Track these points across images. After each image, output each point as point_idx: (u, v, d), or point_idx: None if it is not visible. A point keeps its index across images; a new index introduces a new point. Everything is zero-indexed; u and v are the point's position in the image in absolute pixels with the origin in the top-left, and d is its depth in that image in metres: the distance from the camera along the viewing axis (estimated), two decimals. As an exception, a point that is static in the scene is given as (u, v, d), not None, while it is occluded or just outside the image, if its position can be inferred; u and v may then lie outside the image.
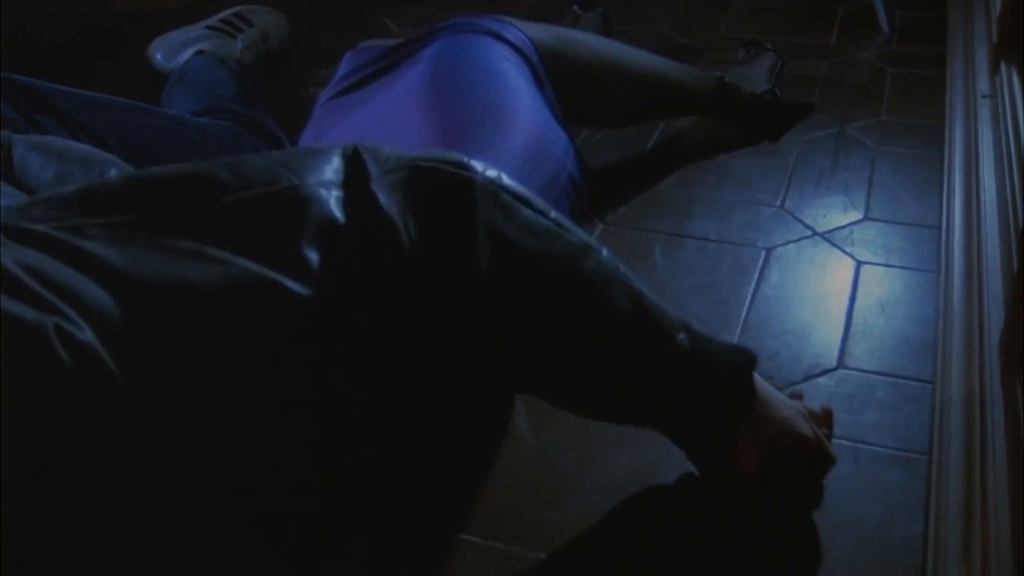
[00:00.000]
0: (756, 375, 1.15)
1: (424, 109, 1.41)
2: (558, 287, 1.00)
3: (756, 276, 1.57)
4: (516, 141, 1.40)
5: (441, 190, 0.94)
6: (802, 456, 1.15)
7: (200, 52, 2.15)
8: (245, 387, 0.79)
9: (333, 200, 0.87)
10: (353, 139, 1.33)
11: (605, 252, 1.05)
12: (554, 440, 1.27)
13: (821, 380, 1.35)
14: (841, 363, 1.38)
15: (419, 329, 0.94)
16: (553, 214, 1.02)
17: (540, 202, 1.02)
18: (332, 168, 0.91)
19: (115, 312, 0.73)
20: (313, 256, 0.83)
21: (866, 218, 1.71)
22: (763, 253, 1.63)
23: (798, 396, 1.26)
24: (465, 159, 0.97)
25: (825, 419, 1.22)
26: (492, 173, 0.98)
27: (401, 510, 1.19)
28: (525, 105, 1.49)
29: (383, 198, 0.90)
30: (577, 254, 1.01)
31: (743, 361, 1.13)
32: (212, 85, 1.94)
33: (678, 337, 1.07)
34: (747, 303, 1.51)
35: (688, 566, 1.10)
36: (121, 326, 0.73)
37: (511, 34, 1.61)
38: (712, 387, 1.10)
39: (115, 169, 1.20)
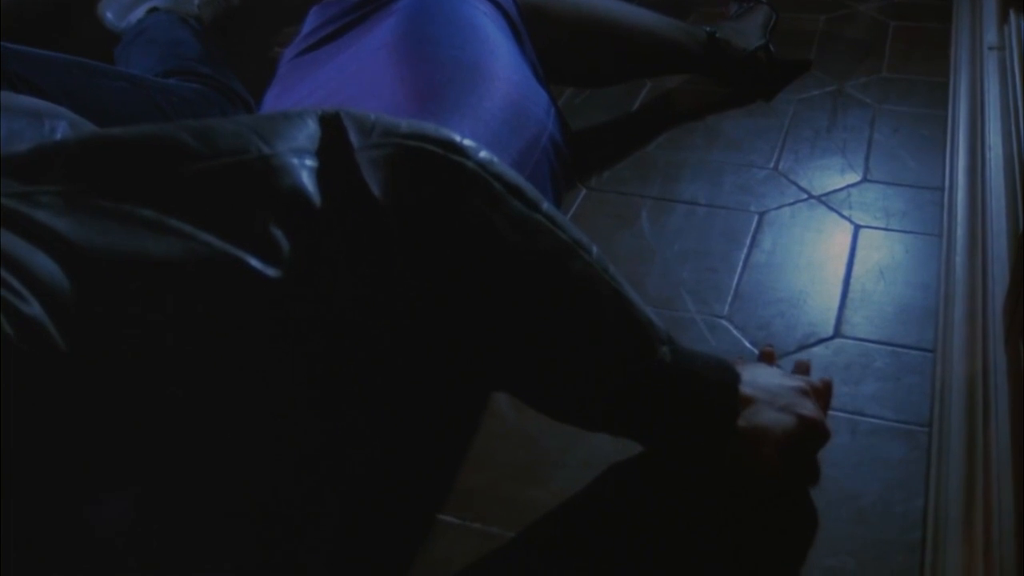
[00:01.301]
0: (741, 370, 1.16)
1: (396, 66, 1.40)
2: (540, 288, 1.00)
3: (748, 242, 1.58)
4: (494, 101, 1.40)
5: (429, 175, 0.93)
6: (797, 441, 1.16)
7: (154, 9, 2.10)
8: (204, 366, 0.79)
9: (306, 172, 0.86)
10: (320, 99, 1.33)
11: (595, 251, 1.05)
12: (535, 416, 1.25)
13: (817, 350, 1.36)
14: (838, 332, 1.39)
15: (394, 318, 0.94)
16: (545, 207, 1.02)
17: (532, 192, 1.02)
18: (307, 134, 0.90)
19: (66, 285, 0.72)
20: (282, 234, 0.82)
21: (865, 180, 1.72)
22: (755, 218, 1.64)
23: (804, 367, 1.27)
24: (456, 139, 0.96)
25: (824, 391, 1.22)
26: (484, 156, 0.98)
27: (376, 490, 1.20)
28: (503, 63, 1.48)
29: (366, 175, 0.89)
30: (564, 254, 1.02)
31: (727, 377, 1.14)
32: (175, 44, 1.91)
33: (660, 351, 1.08)
34: (739, 270, 1.52)
35: (678, 544, 1.11)
36: (72, 300, 0.72)
37: (488, -14, 1.60)
38: (692, 406, 1.11)
39: (65, 123, 1.18)
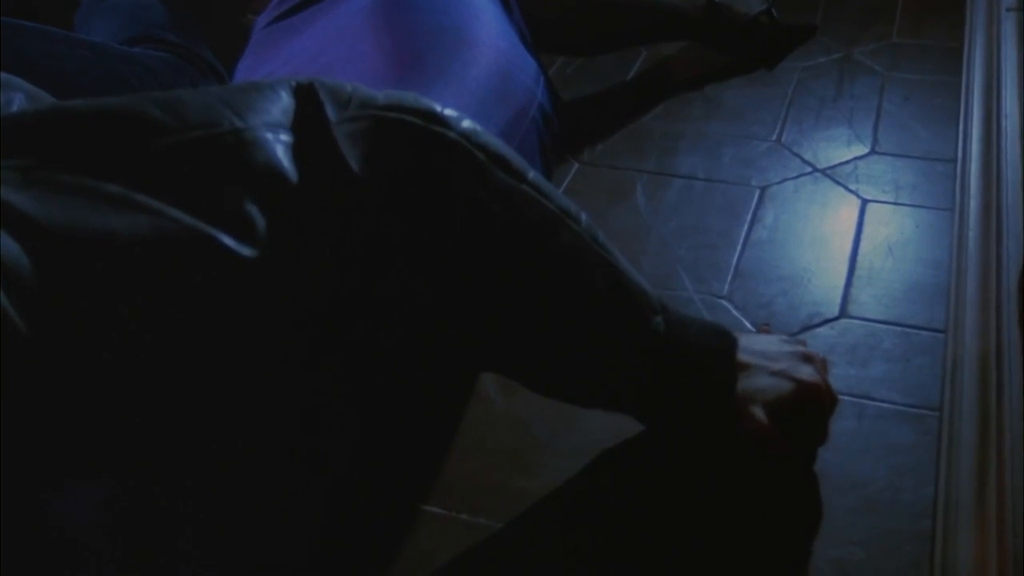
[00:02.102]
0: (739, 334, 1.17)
1: (374, 32, 1.40)
2: (530, 260, 1.01)
3: (749, 217, 1.59)
4: (479, 69, 1.40)
5: (410, 147, 0.94)
6: (801, 406, 1.16)
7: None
8: (177, 350, 0.79)
9: (281, 147, 0.86)
10: (295, 69, 1.33)
11: (584, 219, 1.06)
12: (525, 401, 1.28)
13: (821, 331, 1.37)
14: (844, 311, 1.40)
15: (378, 297, 0.95)
16: (531, 176, 1.03)
17: (518, 161, 1.02)
18: (281, 107, 0.89)
19: (26, 265, 0.71)
20: (256, 212, 0.82)
21: (873, 152, 1.73)
22: (757, 192, 1.65)
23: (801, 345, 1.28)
24: (437, 108, 0.97)
25: (821, 368, 1.23)
26: (467, 126, 0.98)
27: (357, 479, 1.21)
28: (489, 28, 1.49)
29: (344, 149, 0.90)
30: (552, 225, 1.03)
31: (723, 344, 1.15)
32: (140, 9, 1.89)
33: (653, 321, 1.10)
34: (739, 247, 1.53)
35: (674, 535, 1.12)
36: (32, 280, 0.71)
37: (472, -54, 1.60)
38: (687, 375, 1.12)
39: (22, 95, 1.17)
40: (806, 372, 1.16)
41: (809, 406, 1.16)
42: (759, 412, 1.13)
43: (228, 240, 0.79)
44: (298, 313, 0.88)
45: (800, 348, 1.20)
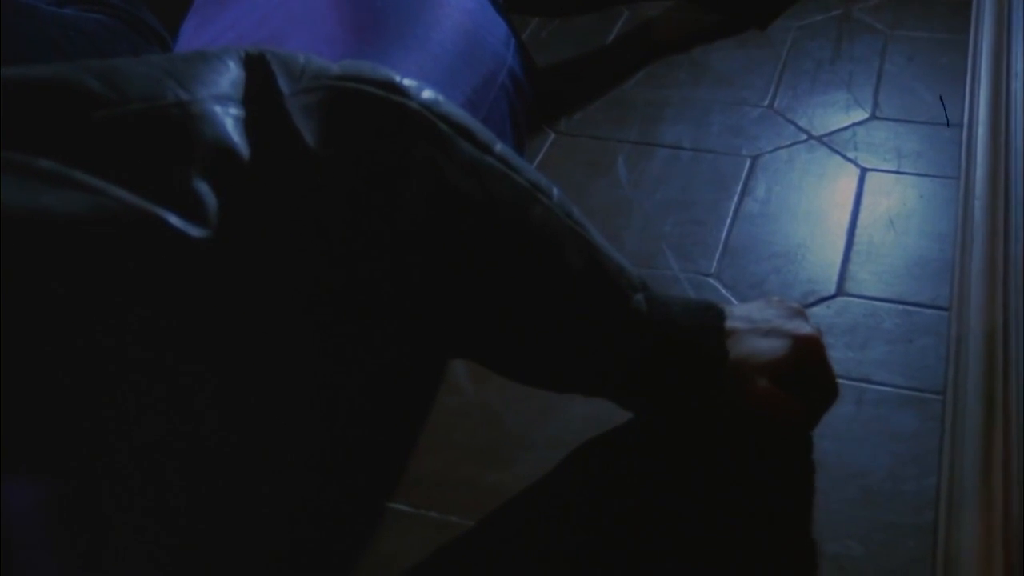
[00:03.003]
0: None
1: (330, -10, 1.41)
2: (500, 238, 1.02)
3: (739, 189, 1.61)
4: (443, 32, 1.41)
5: (368, 119, 0.95)
6: (800, 360, 1.17)
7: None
8: (122, 335, 0.79)
9: (231, 121, 0.86)
10: (244, 31, 1.34)
11: (556, 193, 1.08)
12: (498, 389, 1.30)
13: (818, 310, 1.38)
14: (841, 289, 1.41)
15: (339, 280, 0.95)
16: (498, 148, 1.04)
17: (483, 132, 1.03)
18: (229, 79, 0.89)
19: None
20: (207, 191, 0.82)
21: (873, 117, 1.75)
22: (748, 162, 1.67)
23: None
24: (396, 78, 0.97)
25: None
26: (428, 96, 0.99)
27: (315, 476, 1.22)
28: (455, -14, 1.49)
29: (299, 123, 0.90)
30: (524, 199, 1.04)
31: (710, 319, 1.17)
32: None
33: (634, 299, 1.11)
34: (728, 222, 1.55)
35: (661, 533, 1.13)
36: None
37: None
38: (673, 355, 1.14)
39: None
40: (797, 324, 1.18)
41: (809, 359, 1.18)
42: (759, 376, 1.15)
43: (175, 220, 0.79)
44: (260, 298, 0.89)
45: (790, 304, 1.21)
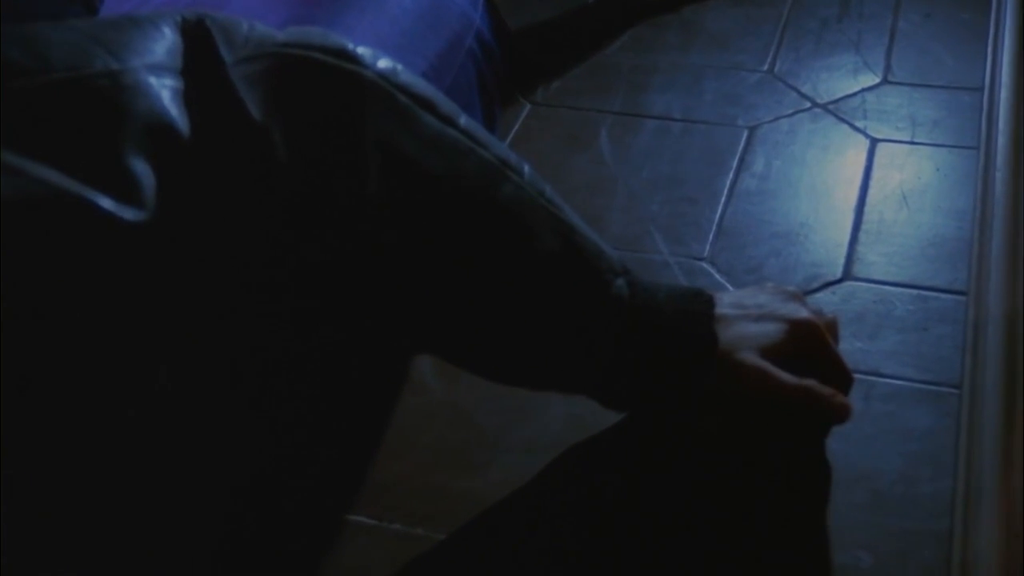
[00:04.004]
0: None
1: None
2: (466, 218, 1.03)
3: (735, 164, 1.62)
4: (404, -9, 1.41)
5: (318, 89, 0.95)
6: (796, 345, 1.18)
7: None
8: (51, 331, 0.80)
9: (167, 92, 0.87)
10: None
11: (527, 171, 1.08)
12: (468, 388, 1.31)
13: (822, 296, 1.39)
14: (848, 273, 1.42)
15: (292, 267, 0.96)
16: (463, 121, 1.04)
17: (446, 104, 1.04)
18: (165, 46, 0.90)
19: None
20: (142, 169, 0.82)
21: (885, 82, 1.76)
22: (744, 134, 1.68)
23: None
24: (348, 45, 0.98)
25: (831, 327, 1.26)
26: (385, 64, 0.99)
27: (268, 486, 1.22)
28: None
29: (243, 95, 0.90)
30: (492, 175, 1.05)
31: (698, 306, 1.17)
32: None
33: (614, 284, 1.12)
34: (722, 200, 1.56)
35: (647, 546, 1.14)
36: None
37: None
38: (659, 344, 1.14)
39: None
40: (793, 308, 1.20)
41: (808, 343, 1.19)
42: (752, 356, 1.16)
43: (106, 203, 0.79)
44: (200, 287, 0.90)
45: (781, 288, 1.23)
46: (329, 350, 1.20)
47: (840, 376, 1.21)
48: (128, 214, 0.80)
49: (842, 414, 1.18)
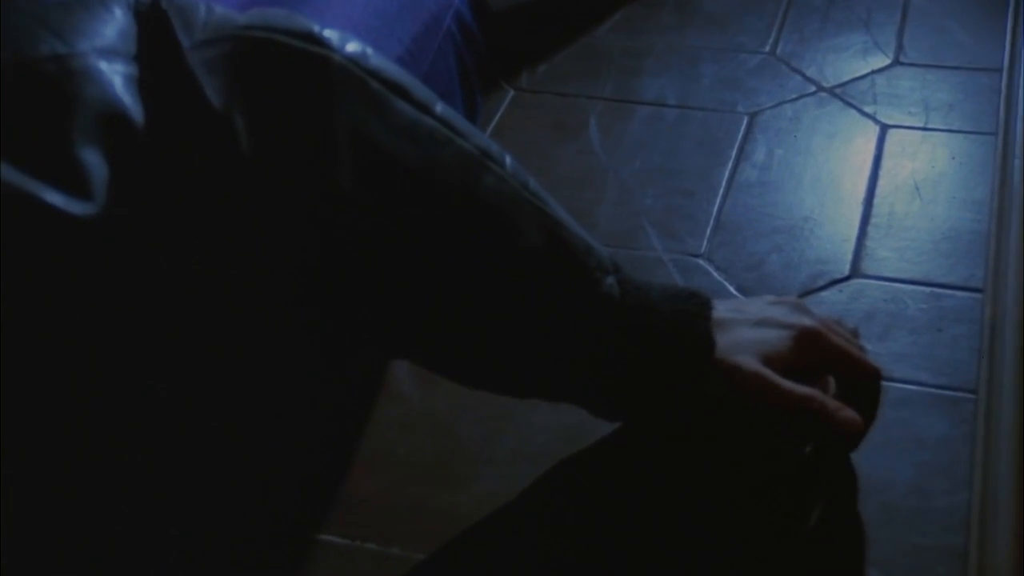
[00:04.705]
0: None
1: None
2: (444, 211, 1.03)
3: (734, 154, 1.63)
4: (376, -31, 1.42)
5: (282, 74, 0.95)
6: (800, 354, 1.18)
7: None
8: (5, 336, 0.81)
9: (120, 79, 0.87)
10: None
11: (509, 162, 1.08)
12: (448, 397, 1.31)
13: (828, 295, 1.40)
14: (857, 270, 1.43)
15: (257, 266, 0.96)
16: (439, 108, 1.04)
17: (421, 90, 1.04)
18: (116, 29, 0.89)
19: None
20: (93, 160, 0.82)
21: (896, 63, 1.77)
22: (744, 120, 1.69)
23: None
24: (315, 28, 0.97)
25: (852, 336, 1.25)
26: (354, 48, 0.99)
27: (233, 503, 1.22)
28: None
29: (202, 81, 0.90)
30: (471, 167, 1.05)
31: (693, 306, 1.17)
32: None
33: (604, 282, 1.12)
34: (721, 192, 1.57)
35: (641, 564, 1.14)
36: None
37: None
38: (652, 346, 1.14)
39: None
40: (797, 318, 1.19)
41: (812, 352, 1.18)
42: (751, 360, 1.15)
43: (54, 197, 0.79)
44: (156, 288, 0.90)
45: (786, 299, 1.22)
46: (298, 355, 1.18)
47: (864, 373, 1.20)
48: (77, 208, 0.81)
49: (850, 428, 1.17)
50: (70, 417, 0.89)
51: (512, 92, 1.79)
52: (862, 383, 1.21)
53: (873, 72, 1.76)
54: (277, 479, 1.25)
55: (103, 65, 0.86)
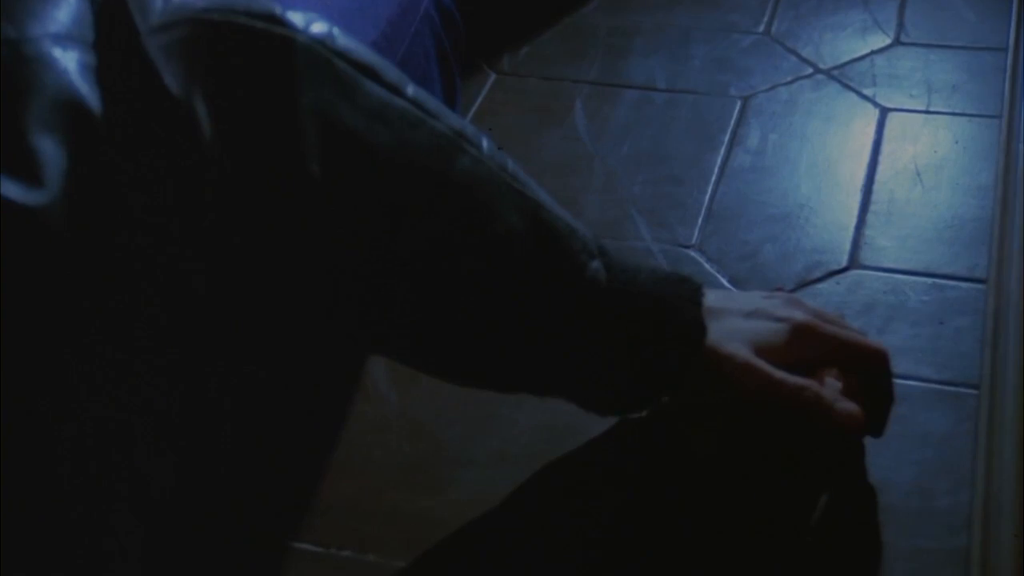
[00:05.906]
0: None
1: None
2: (420, 197, 1.03)
3: (727, 139, 1.64)
4: (346, -54, 1.42)
5: (244, 57, 0.95)
6: (793, 348, 1.18)
7: None
8: None
9: (75, 65, 0.87)
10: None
11: (486, 143, 1.09)
12: (427, 394, 1.31)
13: (825, 286, 1.41)
14: (855, 260, 1.44)
15: (222, 260, 0.97)
16: (411, 90, 1.05)
17: (391, 71, 1.04)
18: (70, 14, 0.90)
19: None
20: (49, 149, 0.83)
21: (897, 42, 1.78)
22: (737, 104, 1.70)
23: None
24: (277, 10, 0.97)
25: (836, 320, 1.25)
26: (320, 29, 0.99)
27: (201, 510, 1.21)
28: None
29: (160, 67, 0.90)
30: (446, 149, 1.05)
31: (684, 290, 1.18)
32: None
33: (589, 266, 1.12)
34: (712, 179, 1.57)
35: (630, 571, 1.14)
36: None
37: None
38: (641, 332, 1.15)
39: None
40: (788, 311, 1.19)
41: (806, 344, 1.18)
42: (743, 350, 1.16)
43: (8, 188, 0.80)
44: (114, 282, 0.89)
45: (780, 294, 1.23)
46: (270, 352, 1.18)
47: (867, 356, 1.20)
48: (31, 198, 0.81)
49: (849, 421, 1.16)
50: (29, 414, 0.89)
51: (494, 75, 1.80)
52: (871, 370, 1.21)
53: (872, 52, 1.77)
54: (248, 484, 1.25)
55: (57, 51, 0.86)
